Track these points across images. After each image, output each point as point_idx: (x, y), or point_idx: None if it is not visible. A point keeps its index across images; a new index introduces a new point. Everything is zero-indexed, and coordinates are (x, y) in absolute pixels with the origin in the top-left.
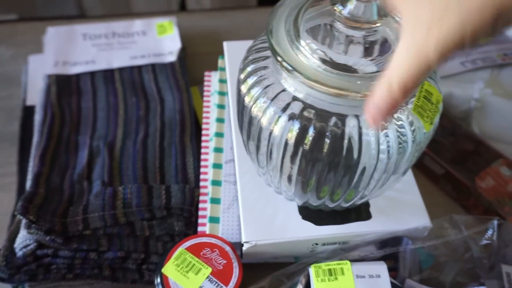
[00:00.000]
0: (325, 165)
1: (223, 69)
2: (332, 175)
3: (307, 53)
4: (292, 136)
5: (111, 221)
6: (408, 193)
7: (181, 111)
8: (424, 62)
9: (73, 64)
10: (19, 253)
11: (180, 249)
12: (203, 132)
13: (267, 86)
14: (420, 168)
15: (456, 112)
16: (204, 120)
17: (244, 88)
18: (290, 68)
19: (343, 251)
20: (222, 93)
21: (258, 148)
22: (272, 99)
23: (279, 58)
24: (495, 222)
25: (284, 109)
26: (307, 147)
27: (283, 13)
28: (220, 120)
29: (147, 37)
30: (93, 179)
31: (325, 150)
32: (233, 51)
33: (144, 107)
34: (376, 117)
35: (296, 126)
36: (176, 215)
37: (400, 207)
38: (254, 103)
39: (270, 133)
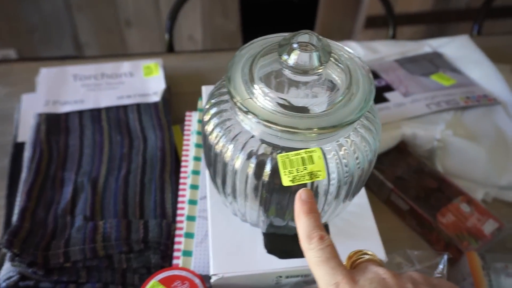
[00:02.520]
0: (284, 193)
1: (201, 110)
2: (290, 201)
3: (260, 97)
4: (251, 170)
5: (90, 254)
6: (366, 230)
7: (162, 149)
8: None
9: (63, 103)
10: (3, 285)
11: (153, 281)
12: (182, 169)
13: (228, 126)
14: (388, 204)
15: (420, 151)
16: (183, 158)
17: (208, 128)
18: (245, 110)
19: (306, 283)
20: (200, 133)
21: (223, 182)
22: (233, 138)
23: (235, 101)
24: (445, 256)
25: (243, 147)
26: (266, 179)
27: (240, 61)
28: (197, 159)
29: (134, 78)
30: (76, 214)
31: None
32: None
33: (127, 145)
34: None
35: (254, 161)
36: (153, 249)
37: (358, 243)
38: (217, 142)
39: (233, 168)
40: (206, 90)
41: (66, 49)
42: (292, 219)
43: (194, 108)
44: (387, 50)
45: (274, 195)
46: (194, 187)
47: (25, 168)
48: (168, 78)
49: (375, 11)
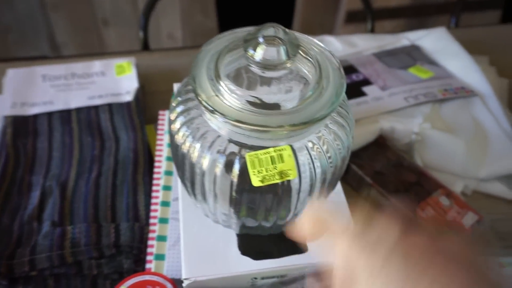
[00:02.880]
0: (254, 194)
1: None
2: (261, 201)
3: (227, 95)
4: (219, 170)
5: (58, 261)
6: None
7: (135, 150)
8: None
9: (31, 105)
10: None
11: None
12: (155, 170)
13: (195, 125)
14: (368, 200)
15: (399, 145)
16: (156, 158)
17: (175, 127)
18: (211, 109)
19: (282, 284)
20: None
21: (192, 183)
22: (200, 137)
23: (200, 100)
24: None
25: (210, 146)
26: (234, 179)
27: (204, 59)
28: (170, 159)
29: (105, 78)
30: (44, 220)
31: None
32: None
33: (99, 147)
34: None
35: (222, 161)
36: (125, 253)
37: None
38: (184, 141)
39: (200, 169)
40: (177, 87)
41: (42, 50)
42: (265, 219)
43: (167, 106)
44: (365, 44)
45: (244, 195)
46: (167, 188)
47: None
48: (143, 76)
49: (355, 6)
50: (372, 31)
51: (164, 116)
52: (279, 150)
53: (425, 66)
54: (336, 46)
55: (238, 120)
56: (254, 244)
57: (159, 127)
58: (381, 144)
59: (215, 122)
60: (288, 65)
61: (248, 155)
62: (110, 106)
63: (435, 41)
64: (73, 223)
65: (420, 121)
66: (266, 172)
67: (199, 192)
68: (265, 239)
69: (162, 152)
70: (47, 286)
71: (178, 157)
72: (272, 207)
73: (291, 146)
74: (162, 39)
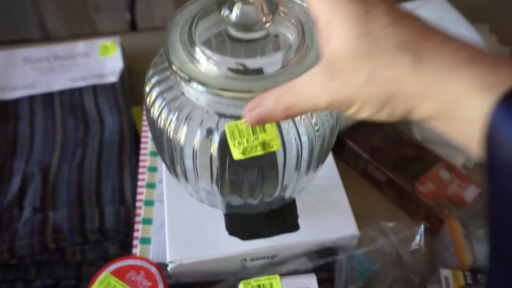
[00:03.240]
0: (237, 168)
1: None
2: (245, 176)
3: (203, 61)
4: (197, 144)
5: (39, 248)
6: (337, 204)
7: (120, 132)
8: (316, 106)
9: (12, 89)
10: None
11: (105, 273)
12: (141, 152)
13: (171, 97)
14: (365, 176)
15: None
16: (142, 140)
17: (150, 100)
18: (187, 78)
19: (274, 265)
20: None
21: (172, 161)
22: (175, 109)
23: (175, 69)
24: (422, 227)
25: (187, 118)
26: (214, 153)
27: (177, 26)
28: None
29: (89, 59)
30: (24, 206)
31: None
32: None
33: (83, 130)
34: (251, 119)
35: (200, 134)
36: (111, 238)
37: (329, 217)
38: (159, 114)
39: (178, 144)
40: None
41: (34, 38)
42: (250, 196)
43: None
44: None
45: (226, 170)
46: (152, 169)
47: None
48: (130, 57)
49: None
50: None
51: None
52: None
53: None
54: None
55: (218, 87)
56: (242, 223)
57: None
58: None
59: (191, 92)
60: (267, 25)
61: (227, 126)
62: (94, 87)
63: (433, 10)
64: (56, 208)
65: None
66: (247, 143)
67: (180, 170)
68: (254, 218)
69: (148, 133)
70: (28, 274)
71: (156, 132)
72: (257, 183)
73: None
74: (156, 22)
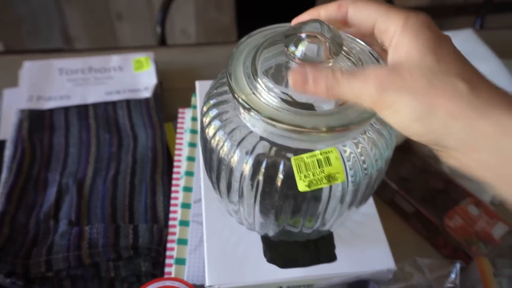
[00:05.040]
0: (281, 197)
1: (195, 107)
2: (289, 205)
3: (264, 92)
4: (247, 168)
5: (75, 262)
6: (374, 239)
7: (154, 148)
8: (359, 102)
9: (47, 99)
10: None
11: None
12: (174, 170)
13: (231, 128)
14: (392, 206)
15: (425, 150)
16: (176, 158)
17: (209, 132)
18: (247, 106)
19: None
20: (194, 131)
21: (218, 177)
22: (230, 133)
23: (238, 98)
24: (458, 265)
25: (241, 142)
26: (261, 178)
27: (241, 54)
28: (190, 159)
29: (123, 73)
30: (60, 218)
31: (278, 183)
32: (205, 90)
33: (116, 144)
34: (297, 83)
35: (250, 159)
36: (143, 255)
37: (365, 250)
38: (213, 135)
39: (228, 164)
40: (199, 85)
41: (55, 42)
42: (291, 225)
43: (187, 104)
44: None
45: (270, 198)
46: (187, 189)
47: (6, 168)
48: (160, 72)
49: None
50: None
51: (184, 114)
52: (326, 153)
53: None
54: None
55: (273, 118)
56: (281, 251)
57: (179, 125)
58: (406, 149)
59: (247, 118)
60: (330, 64)
61: (294, 159)
62: (128, 102)
63: (462, 43)
64: (90, 222)
65: None
66: (313, 176)
67: (224, 189)
68: (291, 245)
69: (182, 151)
70: (63, 287)
71: (207, 149)
72: (298, 213)
73: (336, 148)
74: (176, 34)
